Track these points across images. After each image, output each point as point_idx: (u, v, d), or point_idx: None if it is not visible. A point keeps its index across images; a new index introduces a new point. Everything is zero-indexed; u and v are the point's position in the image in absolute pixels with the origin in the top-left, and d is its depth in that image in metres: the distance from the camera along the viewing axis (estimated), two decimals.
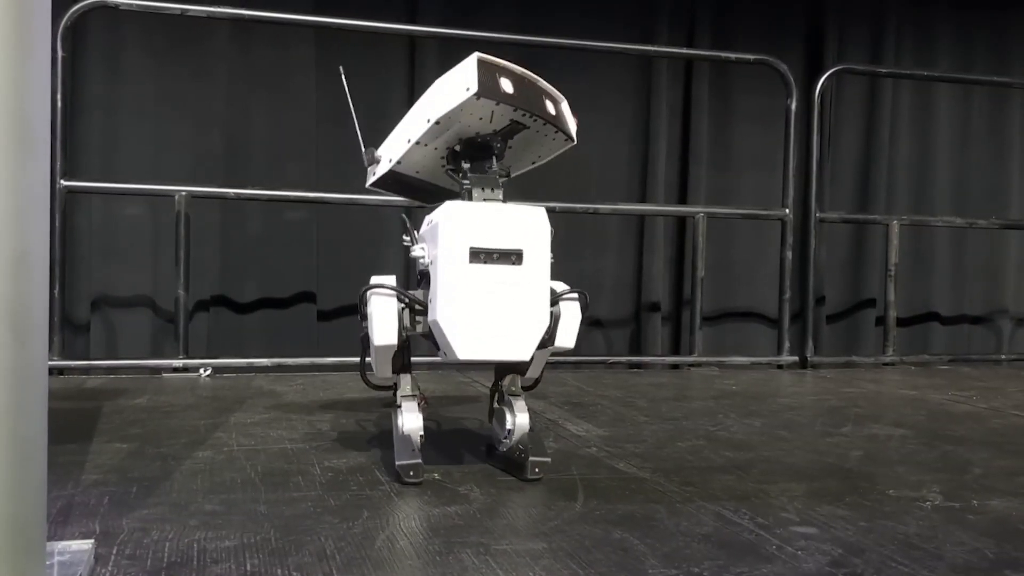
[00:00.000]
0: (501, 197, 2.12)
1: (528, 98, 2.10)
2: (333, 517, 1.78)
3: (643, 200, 4.92)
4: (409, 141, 2.16)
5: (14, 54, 1.16)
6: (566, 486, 2.06)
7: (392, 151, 2.23)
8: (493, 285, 1.95)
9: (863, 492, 2.07)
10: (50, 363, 3.48)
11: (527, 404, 2.12)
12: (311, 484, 2.03)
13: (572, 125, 2.24)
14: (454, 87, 2.03)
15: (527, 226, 1.99)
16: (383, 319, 2.04)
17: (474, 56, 2.03)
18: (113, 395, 3.23)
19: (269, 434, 2.58)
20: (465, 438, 2.59)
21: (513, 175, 2.30)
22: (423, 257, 2.05)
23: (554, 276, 2.08)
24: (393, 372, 2.17)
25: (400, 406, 2.10)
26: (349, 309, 4.42)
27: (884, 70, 5.13)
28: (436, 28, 4.35)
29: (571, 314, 2.11)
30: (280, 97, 4.39)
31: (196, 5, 3.91)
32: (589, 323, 4.83)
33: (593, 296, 4.55)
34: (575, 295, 2.13)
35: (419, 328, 2.10)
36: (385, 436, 2.45)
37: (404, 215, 2.31)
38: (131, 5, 3.85)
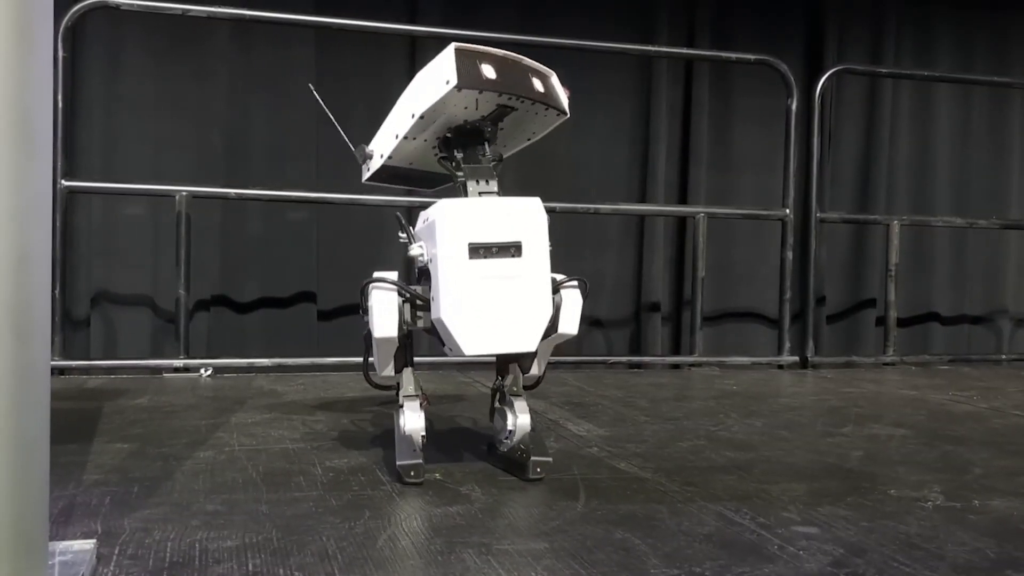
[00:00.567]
0: (496, 189, 2.12)
1: (512, 80, 2.09)
2: (335, 517, 1.78)
3: (643, 200, 4.92)
4: (397, 136, 2.17)
5: (16, 54, 1.16)
6: (567, 486, 2.06)
7: (382, 147, 2.24)
8: (494, 279, 1.95)
9: (864, 492, 2.07)
10: (51, 363, 3.47)
11: (528, 404, 2.12)
12: (312, 484, 2.03)
13: (564, 99, 2.22)
14: (434, 80, 2.04)
15: (523, 217, 1.99)
16: (383, 312, 2.04)
17: (451, 47, 2.04)
18: (114, 395, 3.23)
19: (270, 434, 2.58)
20: (466, 438, 2.59)
21: (507, 155, 2.31)
22: (421, 255, 2.05)
23: (554, 271, 2.08)
24: (395, 371, 2.17)
25: (402, 406, 2.10)
26: (349, 309, 4.42)
27: (884, 70, 5.13)
28: (436, 28, 4.35)
29: (572, 301, 2.11)
30: (280, 97, 4.38)
31: (197, 5, 3.91)
32: (589, 323, 4.83)
33: (593, 296, 4.58)
34: (575, 282, 2.13)
35: (420, 323, 2.10)
36: (386, 436, 2.45)
37: (398, 213, 2.31)
38: (131, 5, 3.84)
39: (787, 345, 4.65)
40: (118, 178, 4.06)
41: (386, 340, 2.07)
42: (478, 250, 1.95)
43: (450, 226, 1.95)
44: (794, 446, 2.59)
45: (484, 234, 1.95)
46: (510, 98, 2.09)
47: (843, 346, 5.27)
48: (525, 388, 2.17)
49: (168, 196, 3.89)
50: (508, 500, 1.94)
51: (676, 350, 4.99)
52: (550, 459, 2.12)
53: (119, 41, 4.21)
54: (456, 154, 2.15)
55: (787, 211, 4.63)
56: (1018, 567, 1.58)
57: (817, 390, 3.87)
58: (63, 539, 1.53)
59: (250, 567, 1.49)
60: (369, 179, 2.34)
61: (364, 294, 2.08)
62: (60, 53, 3.72)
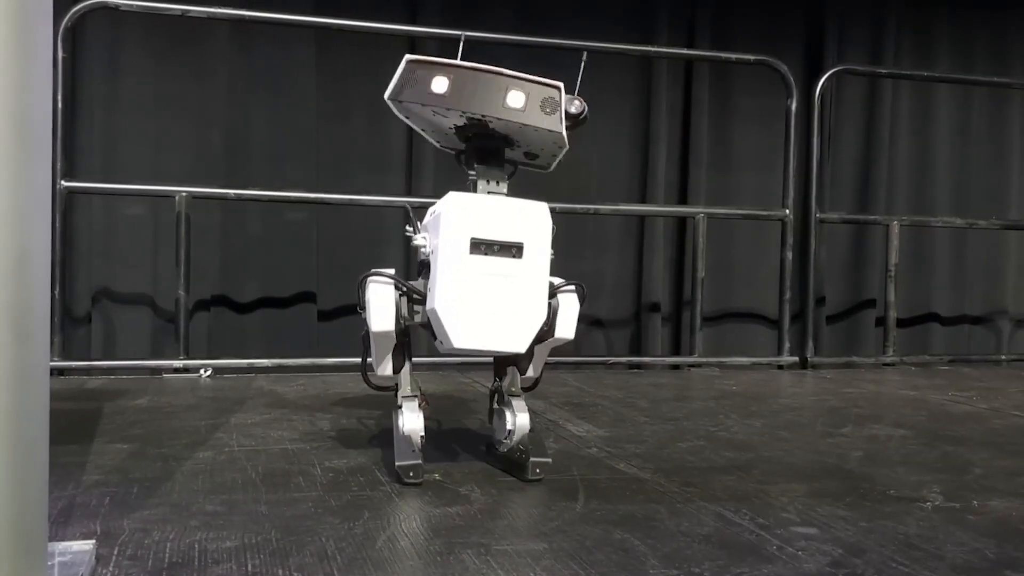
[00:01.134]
0: (505, 191, 2.13)
1: (465, 96, 2.03)
2: (334, 518, 1.78)
3: (643, 201, 4.92)
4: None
5: (15, 55, 1.16)
6: (567, 486, 2.06)
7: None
8: (492, 276, 1.96)
9: (863, 492, 2.07)
10: (51, 364, 3.47)
11: (527, 404, 2.12)
12: (312, 484, 2.03)
13: (550, 117, 2.04)
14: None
15: (529, 220, 1.99)
16: (380, 306, 2.04)
17: (405, 58, 2.06)
18: (114, 396, 3.23)
19: (270, 434, 2.58)
20: (465, 438, 2.59)
21: (552, 165, 2.26)
22: (424, 246, 2.06)
23: (554, 275, 2.08)
24: (394, 370, 2.16)
25: (400, 406, 2.10)
26: (349, 309, 4.41)
27: (884, 71, 5.13)
28: (436, 28, 4.35)
29: (569, 305, 2.11)
30: (280, 97, 4.39)
31: (196, 6, 3.91)
32: (589, 323, 4.83)
33: (593, 296, 4.58)
34: (572, 287, 2.13)
35: (417, 318, 2.10)
36: (385, 436, 2.45)
37: (407, 205, 2.32)
38: (131, 6, 3.85)
39: (787, 345, 4.65)
40: (118, 178, 4.06)
41: (383, 334, 2.06)
42: (480, 246, 1.95)
43: (456, 218, 1.96)
44: (794, 446, 2.59)
45: (488, 231, 1.96)
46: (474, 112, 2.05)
47: (843, 346, 5.27)
48: (523, 389, 2.17)
49: (168, 196, 3.89)
50: (507, 501, 1.94)
51: (676, 350, 4.99)
52: (549, 460, 2.12)
53: (119, 41, 4.21)
54: (473, 152, 2.16)
55: (787, 211, 4.63)
56: (1017, 567, 1.58)
57: (817, 390, 3.87)
58: (62, 540, 1.53)
59: (249, 568, 1.49)
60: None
61: (361, 288, 2.08)
62: (60, 54, 3.72)
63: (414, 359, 2.20)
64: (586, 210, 4.46)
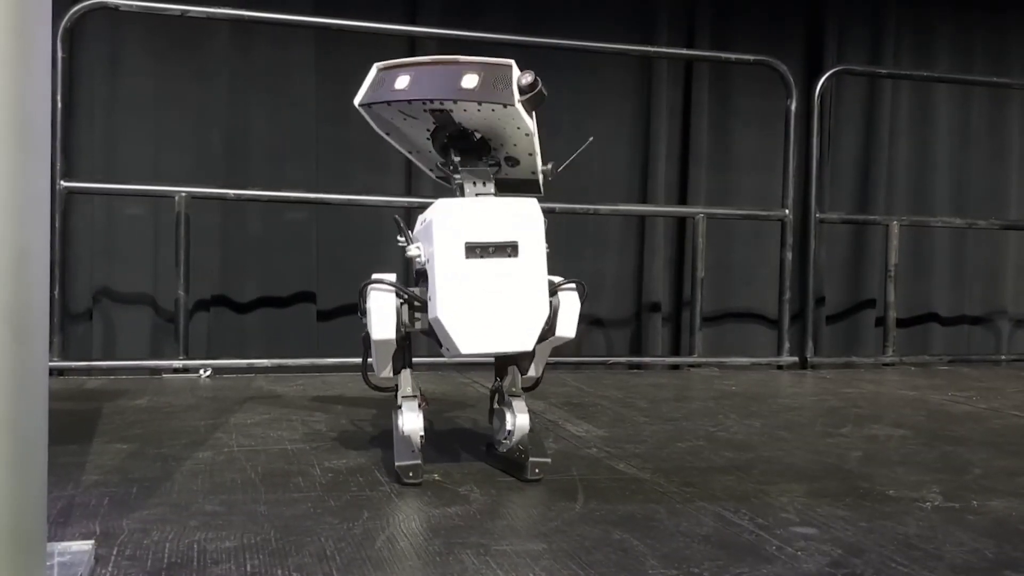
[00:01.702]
0: (493, 191, 2.13)
1: (424, 86, 2.07)
2: (333, 518, 1.78)
3: (643, 201, 4.92)
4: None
5: (14, 55, 1.16)
6: (566, 487, 2.06)
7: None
8: (491, 279, 1.96)
9: (863, 493, 2.07)
10: (50, 364, 3.47)
11: (527, 405, 2.12)
12: (311, 485, 2.03)
13: (503, 92, 2.02)
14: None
15: (520, 218, 2.00)
16: (381, 314, 2.04)
17: (374, 66, 2.11)
18: (113, 396, 3.23)
19: (269, 435, 2.58)
20: (465, 438, 2.59)
21: (537, 156, 2.24)
22: (419, 256, 2.06)
23: (554, 274, 2.08)
24: (394, 372, 2.17)
25: (400, 407, 2.10)
26: (349, 309, 4.42)
27: (884, 71, 5.12)
28: (436, 28, 4.35)
29: (570, 303, 2.12)
30: (280, 97, 4.39)
31: (196, 6, 3.91)
32: (589, 323, 4.83)
33: (593, 296, 4.58)
34: (572, 285, 2.13)
35: (418, 325, 2.11)
36: (385, 436, 2.45)
37: (397, 216, 2.31)
38: (131, 6, 3.85)
39: (786, 345, 4.65)
40: (118, 178, 4.06)
41: (384, 342, 2.07)
42: (475, 249, 1.96)
43: (447, 225, 1.96)
44: (793, 447, 2.59)
45: (480, 234, 1.96)
46: (432, 102, 2.09)
47: (842, 346, 5.27)
48: (524, 389, 2.17)
49: (168, 196, 3.89)
50: (507, 501, 1.94)
51: (676, 351, 4.99)
52: (549, 460, 2.12)
53: (118, 42, 4.21)
54: (454, 158, 2.17)
55: (786, 211, 4.63)
56: (1016, 567, 1.58)
57: (816, 390, 3.87)
58: (62, 540, 1.53)
59: (248, 568, 1.49)
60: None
61: (362, 296, 2.09)
62: (59, 54, 3.72)
63: (414, 359, 2.21)
64: (586, 210, 4.46)
